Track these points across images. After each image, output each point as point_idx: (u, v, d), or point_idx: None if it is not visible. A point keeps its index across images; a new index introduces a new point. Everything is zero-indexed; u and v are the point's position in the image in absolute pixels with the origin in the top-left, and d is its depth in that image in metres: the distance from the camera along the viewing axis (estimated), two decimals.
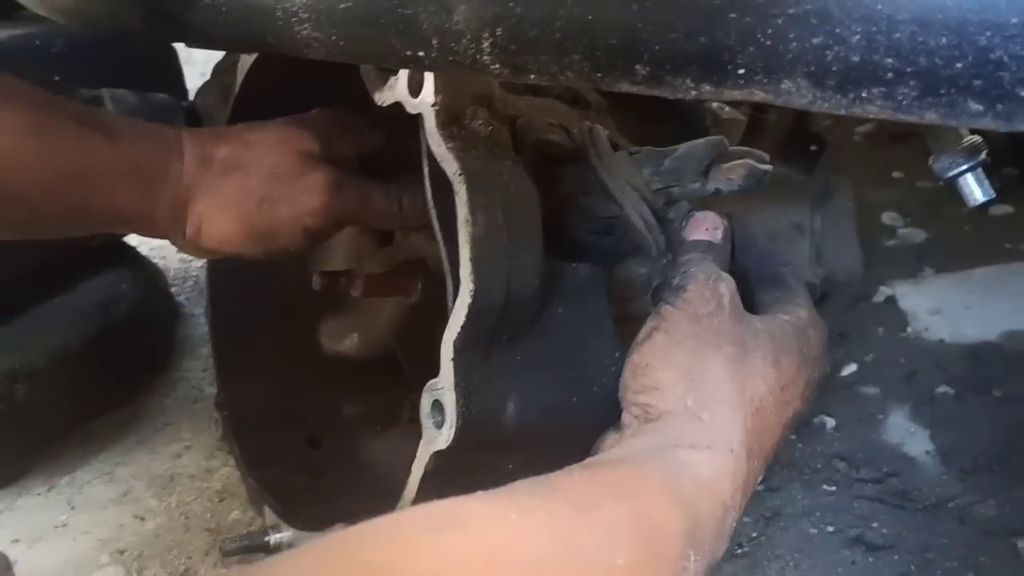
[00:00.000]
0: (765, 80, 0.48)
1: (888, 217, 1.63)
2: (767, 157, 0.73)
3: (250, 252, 0.79)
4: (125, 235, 1.48)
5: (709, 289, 0.66)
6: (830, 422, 1.19)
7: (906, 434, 1.16)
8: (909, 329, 1.34)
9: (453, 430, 0.70)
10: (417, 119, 0.71)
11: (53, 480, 1.15)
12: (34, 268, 1.26)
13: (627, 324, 0.95)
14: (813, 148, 1.07)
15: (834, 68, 0.45)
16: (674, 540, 0.53)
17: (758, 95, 0.49)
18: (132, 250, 1.50)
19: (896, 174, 1.75)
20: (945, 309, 1.36)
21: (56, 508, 1.10)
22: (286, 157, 0.78)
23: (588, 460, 0.61)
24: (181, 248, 0.81)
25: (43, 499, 1.12)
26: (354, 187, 0.81)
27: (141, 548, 1.03)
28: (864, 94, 0.46)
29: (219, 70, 1.29)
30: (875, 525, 1.02)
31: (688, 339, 0.64)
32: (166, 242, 1.83)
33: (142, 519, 1.07)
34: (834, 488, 1.08)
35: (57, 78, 1.21)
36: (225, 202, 0.76)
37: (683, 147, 0.74)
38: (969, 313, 1.35)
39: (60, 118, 0.69)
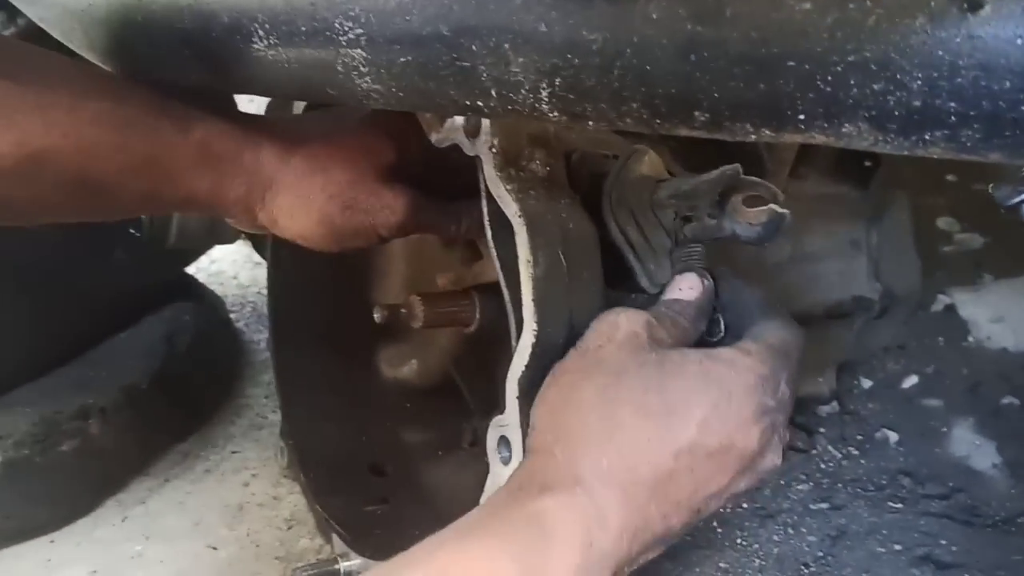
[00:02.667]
0: (826, 125, 0.48)
1: (944, 223, 1.61)
2: (781, 195, 0.73)
3: (325, 247, 0.84)
4: (186, 266, 1.52)
5: (606, 323, 0.66)
6: (893, 436, 1.18)
7: (972, 447, 1.14)
8: (971, 338, 1.33)
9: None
10: (475, 160, 0.73)
11: (127, 511, 1.18)
12: (101, 304, 1.30)
13: None
14: (867, 164, 1.07)
15: (896, 113, 0.45)
16: None
17: (819, 138, 0.50)
18: (193, 280, 1.54)
19: (950, 177, 1.73)
20: (1007, 316, 1.34)
21: (131, 539, 1.13)
22: (369, 170, 0.83)
23: (444, 534, 0.60)
24: (243, 227, 0.87)
25: (118, 530, 1.15)
26: (427, 207, 0.86)
27: None
28: (927, 136, 0.46)
29: (273, 107, 1.33)
30: (943, 543, 1.01)
31: (567, 374, 0.65)
32: (223, 270, 1.86)
33: (215, 549, 1.10)
34: (900, 505, 1.07)
35: None
36: (309, 202, 0.80)
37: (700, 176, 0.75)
38: None
39: (134, 107, 0.73)
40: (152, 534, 1.14)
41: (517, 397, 0.71)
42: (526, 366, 0.69)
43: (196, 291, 1.51)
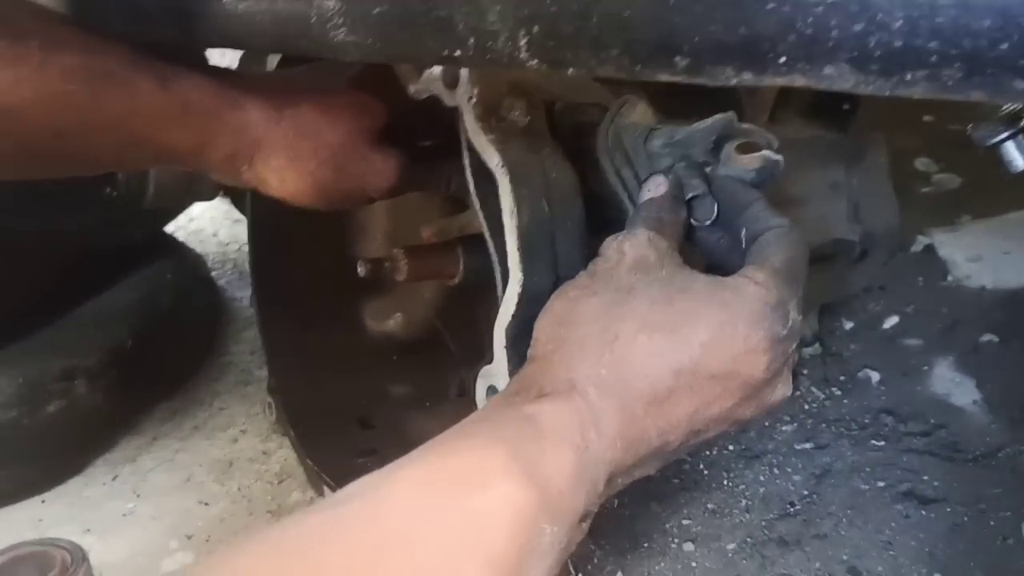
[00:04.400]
0: (807, 67, 0.48)
1: (921, 163, 1.61)
2: (775, 142, 0.73)
3: (314, 207, 0.85)
4: (165, 225, 1.51)
5: (613, 248, 0.66)
6: (875, 376, 1.20)
7: (952, 385, 1.16)
8: (949, 278, 1.34)
9: None
10: (455, 112, 0.72)
11: (116, 470, 1.19)
12: (80, 265, 1.29)
13: None
14: (845, 107, 1.07)
15: (877, 54, 0.45)
16: (522, 523, 0.51)
17: (800, 81, 0.50)
18: (172, 239, 1.53)
19: (927, 118, 1.73)
20: (985, 256, 1.35)
21: (122, 497, 1.14)
22: (360, 132, 0.83)
23: (440, 436, 0.58)
24: (227, 183, 0.86)
25: (108, 489, 1.16)
26: (416, 168, 0.87)
27: (208, 533, 1.06)
28: (908, 77, 0.46)
29: (245, 61, 1.31)
30: (926, 478, 1.03)
31: (575, 290, 0.64)
32: (203, 227, 1.85)
33: (206, 504, 1.10)
34: (882, 443, 1.09)
35: None
36: (301, 164, 0.81)
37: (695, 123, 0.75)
38: (1010, 259, 1.34)
39: (110, 61, 0.72)
40: (143, 492, 1.14)
41: (504, 347, 0.71)
42: (512, 315, 0.70)
43: (176, 249, 1.49)
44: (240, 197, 1.30)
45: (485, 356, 0.75)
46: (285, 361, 1.16)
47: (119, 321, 1.25)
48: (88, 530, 1.08)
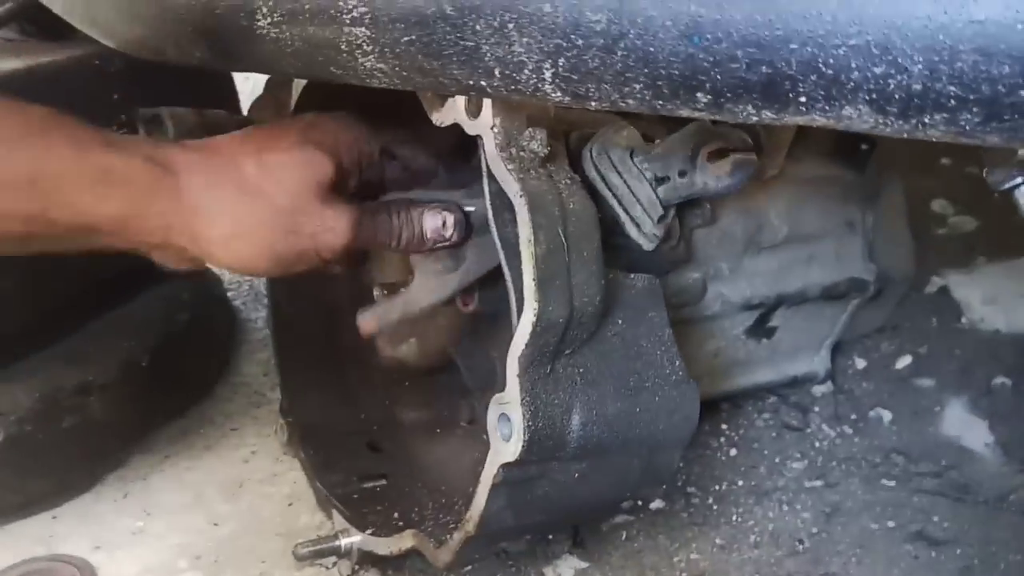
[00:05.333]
0: (827, 108, 0.49)
1: (938, 205, 1.62)
2: (749, 141, 0.75)
3: (270, 274, 0.82)
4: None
5: None
6: (887, 415, 1.20)
7: (964, 427, 1.16)
8: (964, 320, 1.34)
9: (521, 443, 0.72)
10: (476, 140, 0.73)
11: (127, 487, 1.19)
12: (96, 280, 1.30)
13: (684, 328, 0.97)
14: (864, 147, 1.08)
15: (897, 96, 0.46)
16: None
17: (819, 121, 0.51)
18: None
19: (944, 160, 1.74)
20: (1000, 298, 1.35)
21: (132, 515, 1.14)
22: (307, 189, 0.78)
23: None
24: (169, 264, 0.79)
25: (119, 506, 1.16)
26: (368, 225, 0.81)
27: (216, 553, 1.06)
28: (927, 120, 0.47)
29: (271, 84, 1.32)
30: (936, 519, 1.03)
31: None
32: None
33: (215, 524, 1.10)
34: (893, 483, 1.09)
35: (116, 96, 1.25)
36: (249, 230, 0.75)
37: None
38: None
39: (19, 124, 0.69)
40: (153, 510, 1.15)
41: (517, 375, 0.72)
42: (526, 344, 0.70)
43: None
44: None
45: (498, 384, 0.76)
46: (298, 383, 1.17)
47: (136, 337, 1.26)
48: (98, 547, 1.08)
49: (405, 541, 0.92)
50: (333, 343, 1.19)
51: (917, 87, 0.45)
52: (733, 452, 1.17)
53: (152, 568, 1.05)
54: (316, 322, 1.20)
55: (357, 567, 1.02)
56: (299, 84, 1.05)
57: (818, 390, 1.25)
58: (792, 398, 1.24)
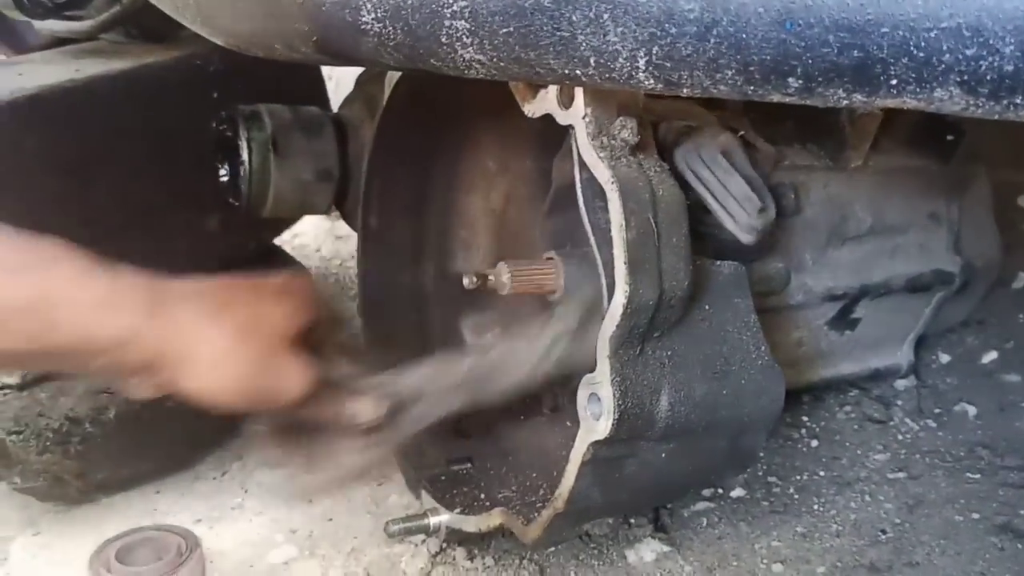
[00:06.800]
0: (918, 90, 0.50)
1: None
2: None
3: (230, 405, 0.83)
4: (278, 235, 1.58)
5: None
6: (971, 410, 1.19)
7: None
8: None
9: (611, 422, 0.75)
10: (567, 130, 0.76)
11: (225, 466, 1.25)
12: (196, 270, 1.36)
13: (768, 316, 0.98)
14: (950, 137, 1.07)
15: (988, 77, 0.48)
16: None
17: (911, 103, 0.52)
18: (283, 251, 1.60)
19: None
20: None
21: (230, 492, 1.20)
22: (285, 335, 0.83)
23: None
24: (136, 390, 0.83)
25: (218, 484, 1.22)
26: (323, 380, 0.86)
27: (311, 528, 1.11)
28: (1019, 100, 0.48)
29: (362, 81, 1.37)
30: (1022, 513, 1.02)
31: None
32: (307, 243, 1.90)
33: (310, 502, 1.15)
34: (978, 476, 1.08)
35: (216, 95, 1.31)
36: (232, 365, 0.80)
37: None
38: None
39: (29, 251, 0.73)
40: (250, 488, 1.20)
41: (608, 356, 0.74)
42: (617, 326, 0.73)
43: (285, 261, 1.56)
44: (351, 213, 1.35)
45: (588, 367, 0.78)
46: (388, 371, 1.21)
47: None
48: (199, 520, 1.14)
49: (494, 519, 0.95)
50: (420, 332, 1.23)
51: (1009, 68, 0.47)
52: (815, 443, 1.18)
53: (251, 541, 1.10)
54: (403, 312, 1.24)
55: (445, 545, 1.05)
56: (390, 82, 1.10)
57: (901, 384, 1.25)
58: (874, 391, 1.24)
